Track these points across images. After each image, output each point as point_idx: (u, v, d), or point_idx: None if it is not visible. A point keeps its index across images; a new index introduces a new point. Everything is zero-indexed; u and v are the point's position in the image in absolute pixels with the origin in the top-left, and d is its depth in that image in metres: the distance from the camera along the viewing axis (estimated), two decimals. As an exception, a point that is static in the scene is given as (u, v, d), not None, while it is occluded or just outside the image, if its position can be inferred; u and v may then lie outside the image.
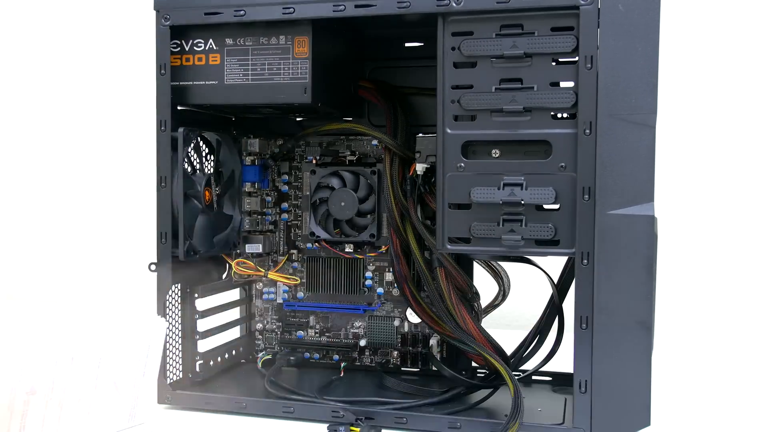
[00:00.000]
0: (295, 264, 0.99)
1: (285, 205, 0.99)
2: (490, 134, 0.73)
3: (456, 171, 0.74)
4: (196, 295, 0.89)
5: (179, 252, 0.82)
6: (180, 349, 0.86)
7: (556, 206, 0.72)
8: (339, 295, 0.97)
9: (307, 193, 0.96)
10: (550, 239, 0.72)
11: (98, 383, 0.73)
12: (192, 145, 0.87)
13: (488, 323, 0.86)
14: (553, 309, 0.83)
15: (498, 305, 0.91)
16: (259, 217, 0.99)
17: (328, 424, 0.77)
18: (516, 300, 0.97)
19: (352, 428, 0.75)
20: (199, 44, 0.82)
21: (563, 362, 0.82)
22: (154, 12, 0.81)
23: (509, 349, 0.84)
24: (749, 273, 1.33)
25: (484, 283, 0.89)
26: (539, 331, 0.84)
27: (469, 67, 0.73)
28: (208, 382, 0.90)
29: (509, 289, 0.90)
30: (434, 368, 0.92)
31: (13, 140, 1.68)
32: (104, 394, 0.74)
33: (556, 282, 0.82)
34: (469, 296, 0.83)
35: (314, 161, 0.96)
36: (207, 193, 0.88)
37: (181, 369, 0.87)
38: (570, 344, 0.73)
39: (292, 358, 0.97)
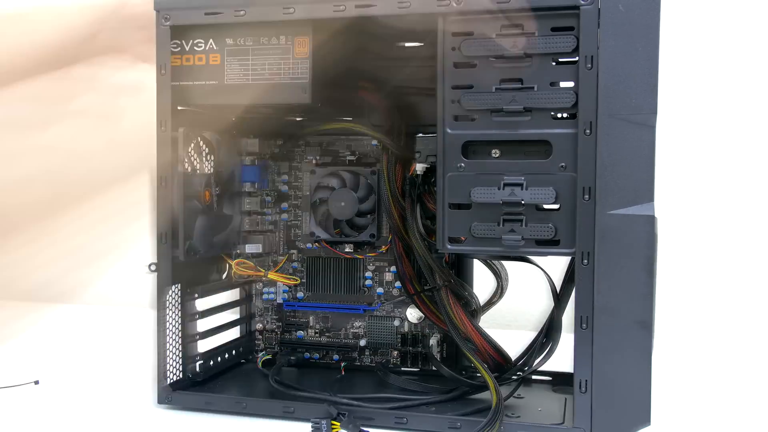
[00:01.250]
0: (295, 264, 0.99)
1: (285, 205, 0.99)
2: (490, 134, 0.73)
3: (456, 171, 0.74)
4: (196, 296, 0.89)
5: (179, 252, 0.82)
6: (180, 349, 0.86)
7: (556, 206, 0.72)
8: (339, 295, 0.97)
9: (307, 193, 0.96)
10: (550, 239, 0.72)
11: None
12: (192, 145, 0.87)
13: (489, 322, 0.86)
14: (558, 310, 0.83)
15: (495, 302, 0.91)
16: (259, 217, 0.99)
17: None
18: (516, 300, 0.97)
19: (334, 423, 0.74)
20: (199, 44, 0.82)
21: (563, 362, 0.82)
22: (154, 12, 0.81)
23: (510, 349, 0.84)
24: (749, 273, 1.33)
25: (482, 279, 0.89)
26: (547, 334, 0.83)
27: (469, 67, 0.73)
28: (208, 382, 0.90)
29: (507, 285, 0.90)
30: (434, 368, 0.92)
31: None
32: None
33: (558, 284, 0.82)
34: (473, 307, 0.85)
35: (314, 161, 0.97)
36: (207, 193, 0.88)
37: (181, 369, 0.87)
38: (570, 344, 0.73)
39: (292, 358, 0.97)
